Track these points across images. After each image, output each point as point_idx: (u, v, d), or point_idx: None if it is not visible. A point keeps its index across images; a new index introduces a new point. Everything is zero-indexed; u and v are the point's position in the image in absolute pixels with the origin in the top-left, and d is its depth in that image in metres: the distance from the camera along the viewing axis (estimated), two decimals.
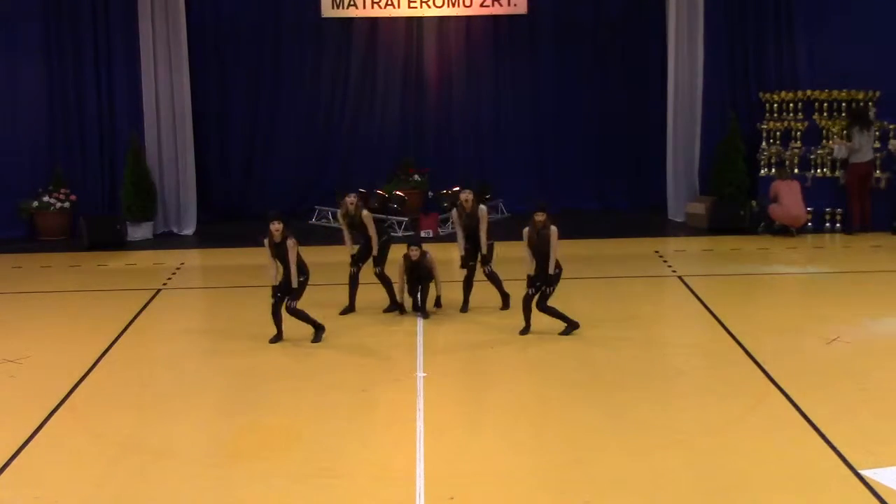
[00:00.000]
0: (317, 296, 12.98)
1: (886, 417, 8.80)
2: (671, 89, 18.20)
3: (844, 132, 17.13)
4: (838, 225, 16.99)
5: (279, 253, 11.02)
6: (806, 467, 7.85)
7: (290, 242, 10.94)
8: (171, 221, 18.29)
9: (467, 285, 12.43)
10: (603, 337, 11.31)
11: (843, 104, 17.55)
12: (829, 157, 17.19)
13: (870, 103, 17.31)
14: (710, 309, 12.32)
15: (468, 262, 12.23)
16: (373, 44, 19.33)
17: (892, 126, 17.20)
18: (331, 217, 18.03)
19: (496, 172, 18.86)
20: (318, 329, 11.31)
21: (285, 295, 11.08)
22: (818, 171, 17.27)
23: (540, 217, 11.02)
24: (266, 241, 11.12)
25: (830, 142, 17.23)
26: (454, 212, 12.30)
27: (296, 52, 19.19)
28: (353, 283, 12.43)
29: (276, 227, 10.94)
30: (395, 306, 12.36)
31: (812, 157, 17.32)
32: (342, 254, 12.69)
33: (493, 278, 12.33)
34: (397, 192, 17.97)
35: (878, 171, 16.97)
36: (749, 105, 18.19)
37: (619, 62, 19.32)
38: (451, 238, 16.69)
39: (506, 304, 12.37)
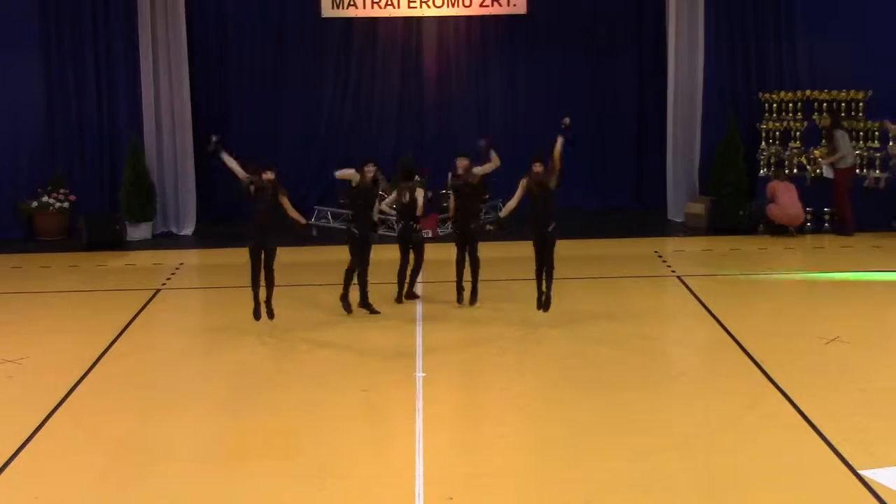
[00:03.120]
0: (317, 296, 13.03)
1: (886, 417, 8.81)
2: (671, 89, 18.18)
3: (825, 141, 17.12)
4: None
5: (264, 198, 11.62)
6: (805, 467, 7.85)
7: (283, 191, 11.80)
8: (171, 221, 18.26)
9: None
10: (602, 336, 11.31)
11: (843, 104, 17.53)
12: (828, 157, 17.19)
13: (843, 104, 17.33)
14: (710, 309, 12.31)
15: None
16: (373, 44, 19.30)
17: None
18: (330, 217, 18.02)
19: (496, 172, 18.79)
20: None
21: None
22: (817, 171, 17.25)
23: (538, 168, 11.14)
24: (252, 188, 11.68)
25: (818, 151, 17.21)
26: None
27: (296, 53, 19.15)
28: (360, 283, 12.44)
29: (269, 175, 11.88)
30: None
31: (812, 157, 17.30)
32: (341, 253, 12.68)
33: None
34: None
35: (877, 171, 16.96)
36: (749, 105, 18.17)
37: (618, 62, 19.29)
38: (450, 238, 16.71)
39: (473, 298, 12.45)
